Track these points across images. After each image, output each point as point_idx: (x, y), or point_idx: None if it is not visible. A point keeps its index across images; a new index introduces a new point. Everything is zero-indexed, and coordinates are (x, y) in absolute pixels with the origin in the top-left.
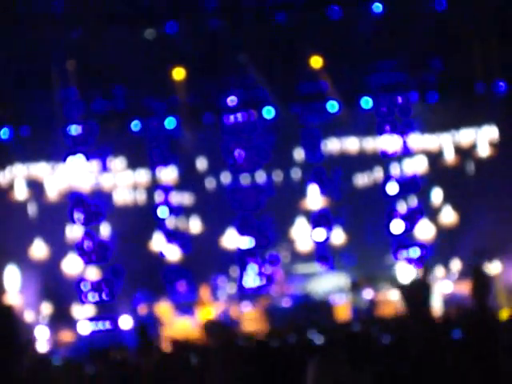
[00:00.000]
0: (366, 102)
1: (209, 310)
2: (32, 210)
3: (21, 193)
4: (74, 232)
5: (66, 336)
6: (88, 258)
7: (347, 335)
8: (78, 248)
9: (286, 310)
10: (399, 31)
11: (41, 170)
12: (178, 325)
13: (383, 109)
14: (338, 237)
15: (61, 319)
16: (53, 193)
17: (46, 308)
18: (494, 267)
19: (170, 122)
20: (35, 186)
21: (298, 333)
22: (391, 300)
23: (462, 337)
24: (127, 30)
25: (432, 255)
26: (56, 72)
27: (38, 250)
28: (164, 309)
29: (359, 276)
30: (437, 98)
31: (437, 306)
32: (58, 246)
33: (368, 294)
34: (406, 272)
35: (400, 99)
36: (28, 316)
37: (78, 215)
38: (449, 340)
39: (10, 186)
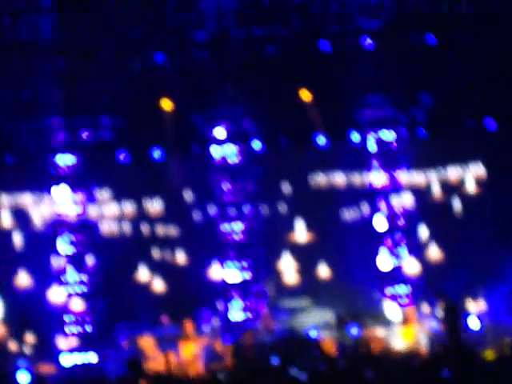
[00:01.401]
0: (355, 137)
1: (192, 344)
2: (17, 239)
3: (6, 222)
4: (59, 262)
5: (48, 367)
6: (72, 288)
7: (333, 371)
8: (63, 279)
9: (271, 345)
10: (389, 66)
11: (26, 199)
12: (161, 359)
13: (372, 144)
14: (324, 271)
15: (43, 350)
16: (38, 223)
17: (29, 338)
18: (478, 305)
19: (156, 154)
20: (20, 216)
21: (283, 368)
22: (378, 336)
23: (450, 376)
24: (115, 60)
25: (418, 291)
26: (43, 101)
27: (23, 279)
28: (147, 342)
29: (345, 312)
30: (425, 134)
31: (423, 343)
32: (43, 276)
33: (354, 329)
34: (392, 308)
35: (389, 134)
36: (11, 346)
37: (63, 246)
38: (438, 378)
39: None
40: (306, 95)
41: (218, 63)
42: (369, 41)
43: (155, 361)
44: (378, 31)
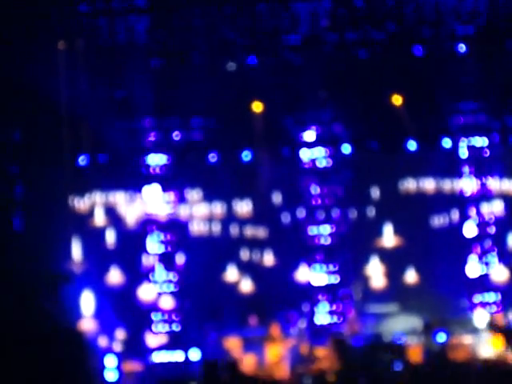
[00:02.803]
0: (446, 143)
1: (278, 347)
2: (110, 237)
3: (99, 220)
4: (149, 261)
5: (135, 365)
6: (161, 287)
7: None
8: (152, 277)
9: (357, 350)
10: (483, 72)
11: (119, 198)
12: (247, 360)
13: (463, 150)
14: (412, 277)
15: (132, 347)
16: (130, 221)
17: (120, 335)
18: None
19: (246, 155)
20: (113, 214)
21: (369, 373)
22: (465, 344)
23: None
24: (208, 62)
25: (506, 299)
26: (136, 102)
27: (115, 276)
28: (233, 343)
29: (432, 318)
30: None
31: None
32: (134, 274)
33: (441, 336)
34: (480, 316)
35: (481, 141)
36: (101, 341)
37: (153, 244)
38: None
39: (89, 213)
40: (397, 100)
41: (309, 67)
42: (463, 46)
43: (241, 362)
44: (473, 36)
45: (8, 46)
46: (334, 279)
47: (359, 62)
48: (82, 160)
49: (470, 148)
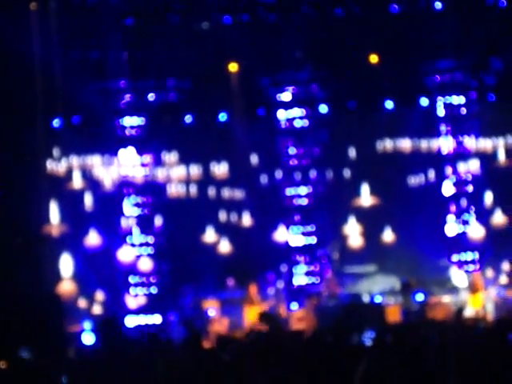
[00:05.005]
0: (423, 102)
1: (256, 308)
2: (88, 200)
3: (77, 183)
4: (127, 223)
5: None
6: (139, 250)
7: (396, 336)
8: (130, 240)
9: (335, 310)
10: (459, 30)
11: (95, 160)
12: (225, 321)
13: (440, 109)
14: (389, 236)
15: (111, 309)
16: (107, 184)
17: (99, 297)
18: None
19: (222, 116)
20: (89, 177)
21: (347, 333)
22: (443, 303)
23: None
24: (183, 22)
25: (484, 257)
26: (110, 63)
27: (93, 239)
28: (211, 304)
29: (410, 278)
30: (495, 99)
31: (489, 309)
32: (112, 237)
33: (419, 296)
34: (458, 275)
35: (457, 99)
36: (81, 303)
37: (130, 207)
38: (503, 343)
39: (66, 176)
40: (374, 59)
41: (285, 25)
42: (439, 3)
43: (219, 323)
44: None
45: None
46: (312, 240)
47: (335, 20)
48: (56, 122)
49: (447, 106)
